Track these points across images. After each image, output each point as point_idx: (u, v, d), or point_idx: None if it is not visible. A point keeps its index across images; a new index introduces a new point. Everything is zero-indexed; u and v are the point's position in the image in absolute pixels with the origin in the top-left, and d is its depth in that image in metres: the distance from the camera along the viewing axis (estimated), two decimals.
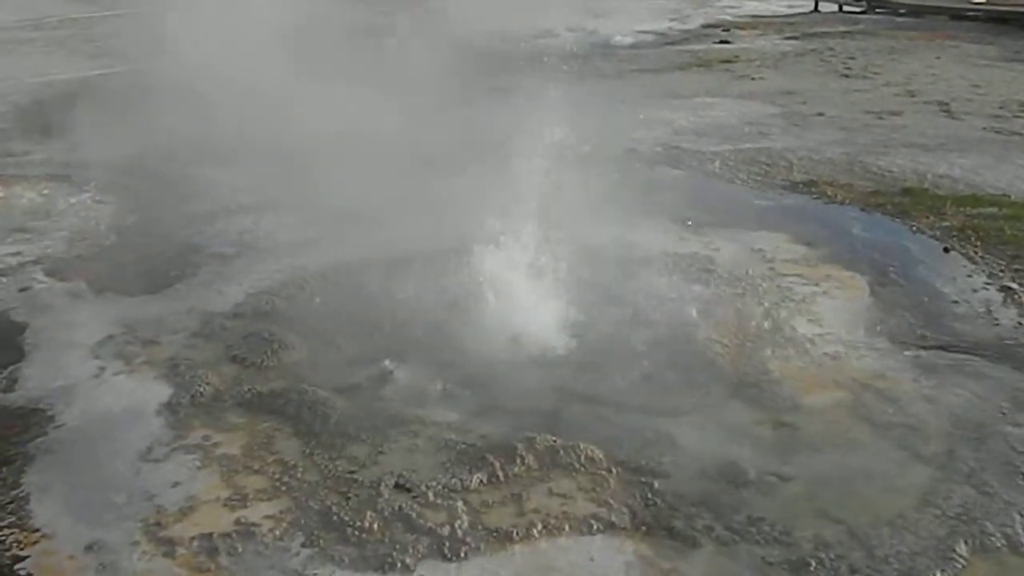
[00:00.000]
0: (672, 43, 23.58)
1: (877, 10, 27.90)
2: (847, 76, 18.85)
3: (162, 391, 6.98)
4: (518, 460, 5.98)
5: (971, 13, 25.66)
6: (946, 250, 9.55)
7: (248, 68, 13.23)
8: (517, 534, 5.37)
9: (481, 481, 5.82)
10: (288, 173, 12.10)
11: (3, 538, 5.45)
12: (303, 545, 5.33)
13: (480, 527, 5.43)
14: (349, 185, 10.49)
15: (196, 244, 10.08)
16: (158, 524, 5.51)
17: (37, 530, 5.52)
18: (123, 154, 13.58)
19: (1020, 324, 7.90)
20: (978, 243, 9.60)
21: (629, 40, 23.91)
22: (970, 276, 8.89)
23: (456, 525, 5.42)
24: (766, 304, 8.28)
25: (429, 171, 10.89)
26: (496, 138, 10.68)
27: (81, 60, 19.02)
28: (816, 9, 29.12)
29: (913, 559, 5.19)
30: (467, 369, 7.19)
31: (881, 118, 15.22)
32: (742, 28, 25.69)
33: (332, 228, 10.19)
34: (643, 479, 5.85)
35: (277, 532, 5.42)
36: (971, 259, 9.26)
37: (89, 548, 5.34)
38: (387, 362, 7.33)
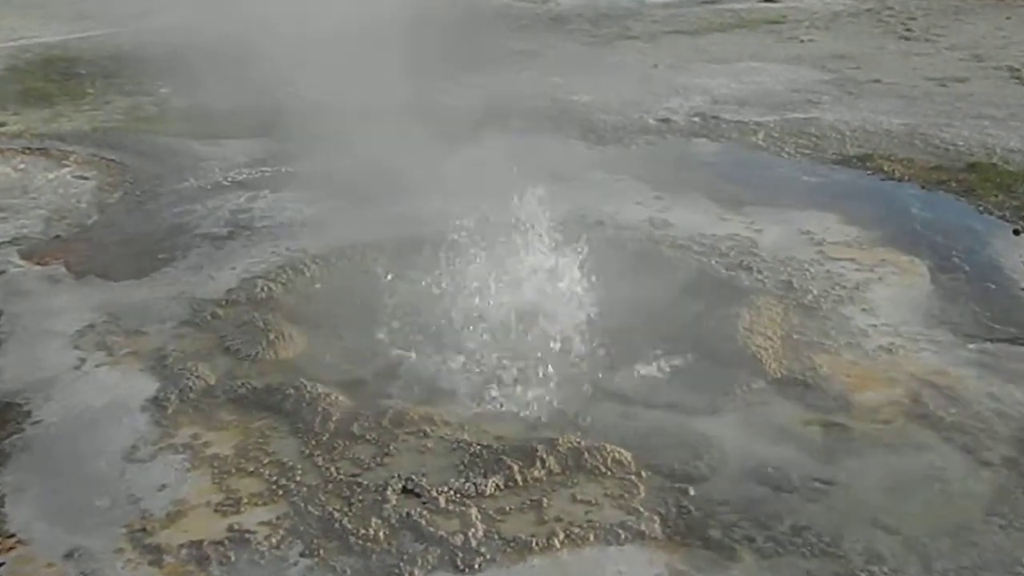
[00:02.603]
0: (711, 1, 23.39)
1: None
2: (907, 39, 18.64)
3: (148, 385, 7.02)
4: (538, 463, 5.97)
5: None
6: (1016, 232, 9.44)
7: (243, 30, 13.27)
8: (537, 544, 5.37)
9: (497, 486, 5.82)
10: (289, 144, 12.18)
11: None
12: (302, 554, 5.35)
13: (496, 536, 5.43)
14: (353, 157, 10.54)
15: (186, 224, 10.13)
16: (144, 530, 5.55)
17: (12, 535, 5.56)
18: (106, 125, 13.69)
19: None
20: None
21: None
22: None
23: (470, 534, 5.43)
24: (814, 292, 8.22)
25: (441, 139, 10.90)
26: (516, 106, 10.64)
27: (60, 23, 19.10)
28: None
29: (976, 574, 5.15)
30: (483, 363, 7.19)
31: (944, 85, 15.05)
32: None
33: (336, 206, 10.23)
34: (676, 484, 5.83)
35: (273, 540, 5.44)
36: None
37: (69, 555, 5.39)
38: (395, 355, 7.36)
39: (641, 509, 5.63)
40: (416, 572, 5.20)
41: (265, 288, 8.45)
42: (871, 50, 17.66)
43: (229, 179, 11.40)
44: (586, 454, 6.05)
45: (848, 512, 5.61)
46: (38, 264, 9.20)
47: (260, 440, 6.36)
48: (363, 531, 5.45)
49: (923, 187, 10.85)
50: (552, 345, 7.40)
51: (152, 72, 15.24)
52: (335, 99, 11.06)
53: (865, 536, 5.41)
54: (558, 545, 5.37)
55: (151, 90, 15.10)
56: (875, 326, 7.70)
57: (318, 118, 11.38)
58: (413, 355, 7.33)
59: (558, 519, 5.56)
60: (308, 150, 11.95)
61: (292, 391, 6.81)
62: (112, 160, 12.21)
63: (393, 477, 5.91)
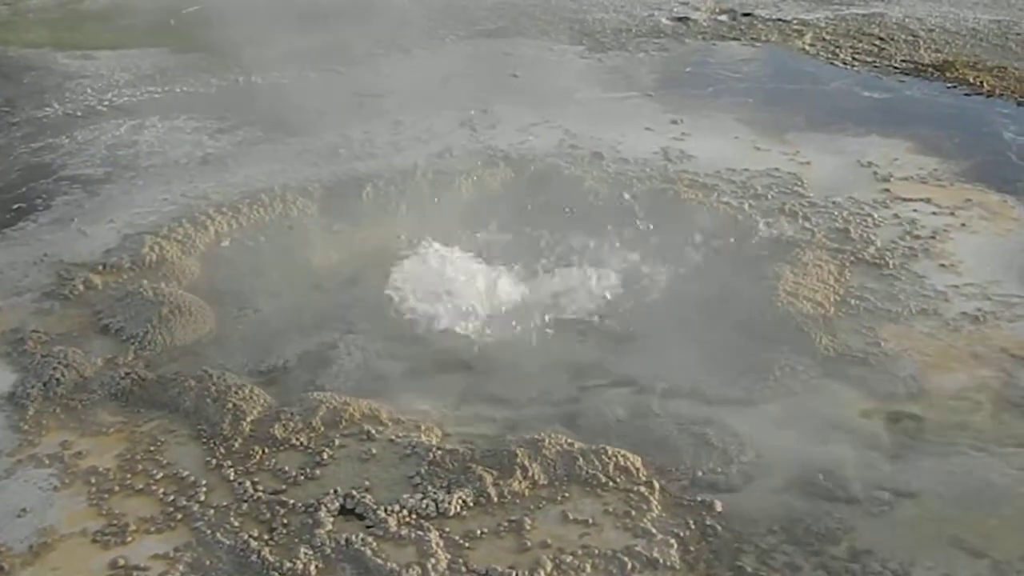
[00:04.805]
0: None
1: None
2: None
3: (1, 377, 6.96)
4: (517, 472, 5.95)
5: None
6: None
7: None
8: None
9: (464, 503, 5.80)
10: (187, 55, 12.04)
11: None
12: None
13: (463, 569, 5.42)
14: (272, 71, 10.43)
15: (49, 163, 10.04)
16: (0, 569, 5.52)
17: None
18: None
19: None
20: None
21: None
22: None
23: (429, 566, 5.40)
24: (878, 243, 8.21)
25: (387, 46, 10.82)
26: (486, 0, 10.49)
27: None
28: None
29: None
30: (444, 341, 7.16)
31: None
32: None
33: (248, 137, 10.15)
34: (699, 497, 5.83)
35: None
36: None
37: None
38: (329, 332, 7.31)
39: (653, 530, 5.62)
40: None
41: (155, 248, 8.35)
42: None
43: (106, 103, 11.26)
44: (581, 459, 6.03)
45: (922, 530, 5.62)
46: None
47: (151, 448, 6.31)
48: (289, 565, 5.42)
49: (1020, 104, 10.86)
50: (534, 318, 7.40)
51: None
52: None
53: (944, 560, 5.42)
54: None
55: None
56: (957, 287, 7.71)
57: (226, 20, 11.26)
58: (353, 336, 7.30)
59: (544, 545, 5.54)
60: (212, 63, 11.83)
61: (193, 383, 6.75)
62: None
63: (328, 493, 5.87)
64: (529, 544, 5.54)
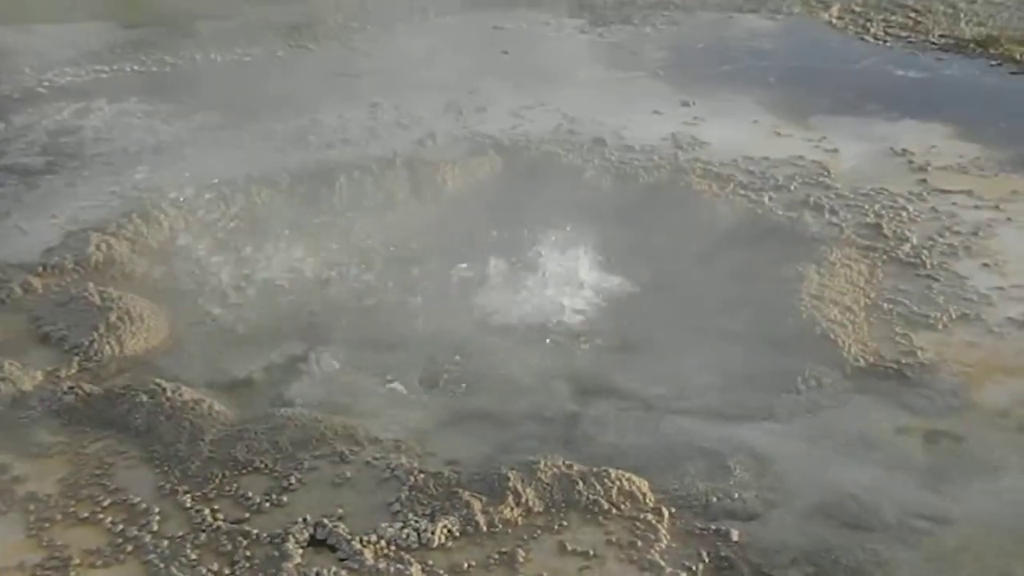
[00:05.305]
0: None
1: None
2: None
3: None
4: (510, 497, 5.93)
5: None
6: None
7: None
8: None
9: (450, 532, 5.77)
10: (139, 30, 12.03)
11: None
12: None
13: None
14: (235, 47, 10.42)
15: None
16: None
17: None
18: None
19: None
20: None
21: None
22: None
23: None
24: (913, 240, 8.22)
25: (365, 19, 10.84)
26: None
27: None
28: None
29: None
30: (427, 351, 7.15)
31: None
32: None
33: (207, 122, 10.14)
34: (713, 525, 5.82)
35: None
36: None
37: None
38: (298, 342, 7.31)
39: (662, 563, 5.60)
40: None
41: (102, 246, 8.32)
42: None
43: (47, 83, 11.26)
44: (580, 483, 6.02)
45: (963, 562, 5.61)
46: None
47: (98, 471, 6.27)
48: None
49: None
50: (526, 325, 7.41)
51: None
52: None
53: None
54: None
55: None
56: (1002, 289, 7.72)
57: None
58: (325, 345, 7.30)
59: None
60: (167, 39, 11.82)
61: (145, 398, 6.72)
62: None
63: (296, 522, 5.85)
64: None
